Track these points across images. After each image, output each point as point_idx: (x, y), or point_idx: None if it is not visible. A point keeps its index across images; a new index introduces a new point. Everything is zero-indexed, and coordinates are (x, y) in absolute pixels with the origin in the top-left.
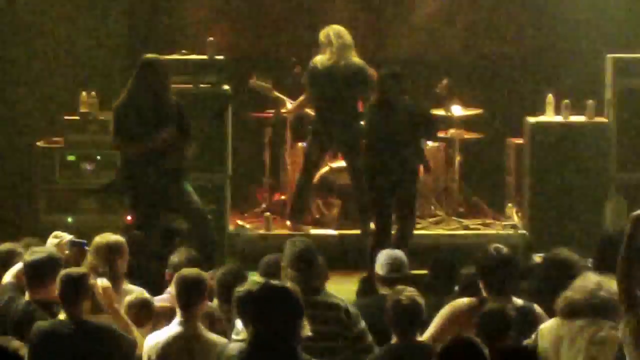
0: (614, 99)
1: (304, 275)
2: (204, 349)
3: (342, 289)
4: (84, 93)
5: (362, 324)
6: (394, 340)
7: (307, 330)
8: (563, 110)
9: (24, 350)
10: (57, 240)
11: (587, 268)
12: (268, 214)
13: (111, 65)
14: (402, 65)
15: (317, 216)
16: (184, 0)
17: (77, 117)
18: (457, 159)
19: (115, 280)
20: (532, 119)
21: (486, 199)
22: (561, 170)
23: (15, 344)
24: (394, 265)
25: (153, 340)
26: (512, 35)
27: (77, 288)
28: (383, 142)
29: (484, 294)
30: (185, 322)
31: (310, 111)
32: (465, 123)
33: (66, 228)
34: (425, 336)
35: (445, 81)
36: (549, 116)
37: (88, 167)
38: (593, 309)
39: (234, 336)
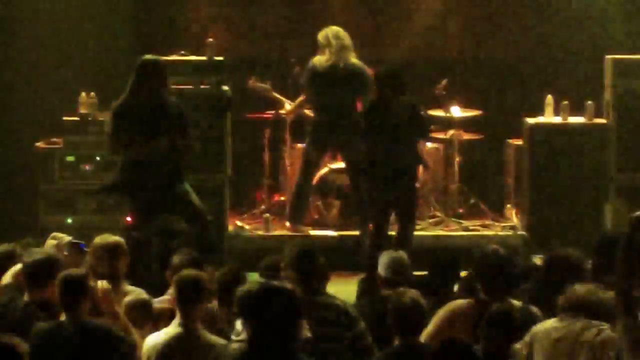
0: (613, 100)
1: (304, 276)
2: (203, 350)
3: (342, 289)
4: (83, 94)
5: (362, 324)
6: (396, 341)
7: (306, 331)
8: (562, 111)
9: (23, 347)
10: (56, 241)
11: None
12: (267, 214)
13: (111, 66)
14: (402, 66)
15: (317, 217)
16: (184, 2)
17: (76, 118)
18: (457, 160)
19: (114, 281)
20: (531, 120)
21: (485, 200)
22: (560, 172)
23: (16, 340)
24: (396, 267)
25: (152, 341)
26: (512, 36)
27: (76, 289)
28: (380, 142)
29: (482, 294)
30: (184, 323)
31: (308, 112)
32: (465, 124)
33: (66, 229)
34: (422, 337)
35: (444, 82)
36: (548, 117)
37: (87, 168)
38: (595, 307)
39: (233, 337)
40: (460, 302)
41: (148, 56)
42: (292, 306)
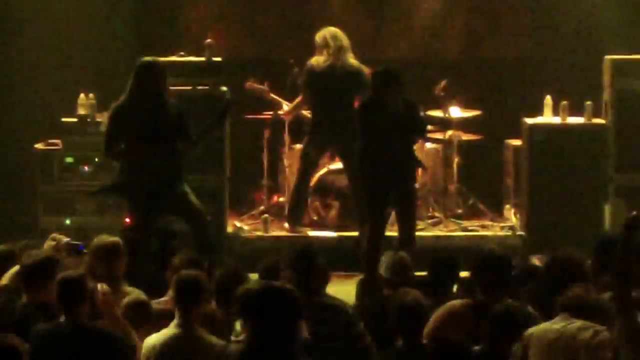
0: (612, 100)
1: (303, 277)
2: (202, 350)
3: (341, 290)
4: (82, 95)
5: (361, 325)
6: (398, 342)
7: (306, 332)
8: (561, 112)
9: (23, 347)
10: (55, 242)
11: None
12: (266, 215)
13: (111, 67)
14: (402, 66)
15: (315, 218)
16: (184, 2)
17: (75, 119)
18: (456, 160)
19: (113, 282)
20: (530, 120)
21: (484, 201)
22: (559, 172)
23: (16, 340)
24: (398, 268)
25: (151, 342)
26: (511, 37)
27: (75, 291)
28: (376, 142)
29: (479, 294)
30: (183, 324)
31: (307, 113)
32: (464, 124)
33: (65, 230)
34: None
35: (443, 82)
36: (547, 117)
37: (87, 169)
38: (592, 309)
39: (233, 338)
40: (456, 303)
41: (147, 57)
42: (291, 307)
